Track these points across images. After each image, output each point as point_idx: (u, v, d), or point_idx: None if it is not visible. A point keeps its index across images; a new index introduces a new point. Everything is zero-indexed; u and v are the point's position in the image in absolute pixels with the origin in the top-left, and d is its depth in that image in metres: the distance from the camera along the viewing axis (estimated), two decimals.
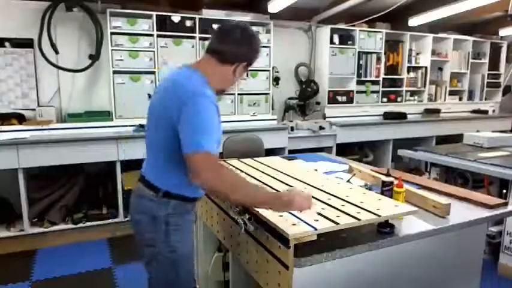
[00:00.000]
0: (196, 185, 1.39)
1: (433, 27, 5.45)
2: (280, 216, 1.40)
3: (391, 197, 1.67)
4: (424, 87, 5.47)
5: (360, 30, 4.85)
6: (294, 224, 1.32)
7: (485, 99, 6.06)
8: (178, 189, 1.51)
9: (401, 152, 3.63)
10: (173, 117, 1.39)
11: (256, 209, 1.47)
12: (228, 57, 1.51)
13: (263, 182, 1.86)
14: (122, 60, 3.76)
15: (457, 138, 4.25)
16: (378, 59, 5.04)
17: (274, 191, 1.63)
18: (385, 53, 5.07)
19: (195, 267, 1.99)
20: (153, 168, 1.56)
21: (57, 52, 3.68)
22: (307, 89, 4.74)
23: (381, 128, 4.94)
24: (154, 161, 1.56)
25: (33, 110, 3.70)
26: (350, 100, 4.95)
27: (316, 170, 2.30)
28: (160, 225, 1.51)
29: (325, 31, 4.77)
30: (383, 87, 5.14)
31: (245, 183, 1.48)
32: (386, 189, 1.70)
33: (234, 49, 1.51)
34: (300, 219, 1.37)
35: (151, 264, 1.58)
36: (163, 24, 3.86)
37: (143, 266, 1.63)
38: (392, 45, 5.16)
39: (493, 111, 6.11)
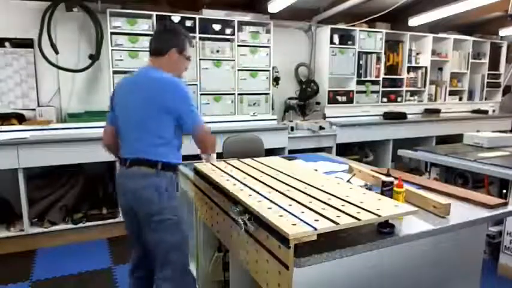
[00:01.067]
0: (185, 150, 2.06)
1: (433, 27, 5.45)
2: (280, 216, 1.40)
3: (391, 197, 1.67)
4: (424, 87, 5.47)
5: (360, 30, 4.85)
6: (294, 224, 1.32)
7: (485, 99, 6.06)
8: (169, 158, 1.92)
9: (401, 152, 3.63)
10: (167, 102, 1.88)
11: (256, 209, 1.47)
12: (162, 50, 1.99)
13: (263, 182, 1.86)
14: (121, 60, 3.76)
15: (457, 138, 4.25)
16: (378, 59, 5.04)
17: None
18: (385, 53, 5.07)
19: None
20: (148, 146, 1.90)
21: (57, 52, 3.68)
22: (307, 89, 4.74)
23: (381, 128, 4.94)
24: (148, 140, 1.90)
25: (33, 110, 3.70)
26: (350, 100, 4.96)
27: (316, 170, 2.30)
28: (163, 194, 1.88)
29: (325, 31, 4.77)
30: (383, 87, 5.15)
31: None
32: (387, 189, 1.70)
33: (163, 43, 2.00)
34: (300, 219, 1.37)
35: (158, 232, 1.89)
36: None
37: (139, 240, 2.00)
38: (392, 45, 5.16)
39: (493, 111, 6.11)
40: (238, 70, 4.27)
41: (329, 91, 4.81)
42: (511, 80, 6.49)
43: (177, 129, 1.94)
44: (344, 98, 4.93)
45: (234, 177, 1.94)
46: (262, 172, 2.08)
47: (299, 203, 1.56)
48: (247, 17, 4.28)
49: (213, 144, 2.10)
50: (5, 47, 3.62)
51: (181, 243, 1.96)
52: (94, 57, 3.81)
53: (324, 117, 4.78)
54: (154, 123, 1.89)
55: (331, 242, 1.34)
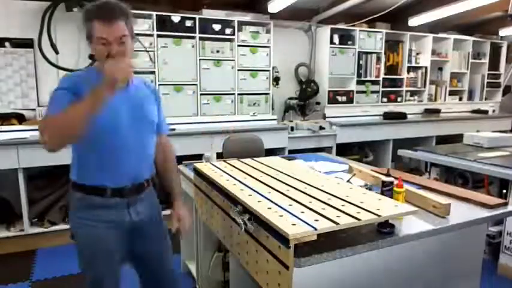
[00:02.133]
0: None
1: (433, 27, 5.45)
2: (280, 216, 1.40)
3: (391, 197, 1.67)
4: (424, 87, 5.47)
5: (360, 30, 4.85)
6: (294, 224, 1.32)
7: (485, 99, 6.06)
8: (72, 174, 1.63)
9: (401, 152, 3.63)
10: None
11: (256, 209, 1.47)
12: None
13: (263, 182, 1.86)
14: None
15: (457, 138, 4.25)
16: (378, 59, 5.04)
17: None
18: (385, 53, 5.07)
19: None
20: (147, 164, 1.67)
21: (57, 52, 3.68)
22: (307, 89, 4.74)
23: (381, 128, 4.94)
24: (146, 157, 1.66)
25: (33, 110, 3.70)
26: (350, 100, 4.96)
27: (314, 169, 2.30)
28: (159, 205, 1.77)
29: (325, 31, 4.77)
30: (383, 87, 5.15)
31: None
32: (387, 189, 1.70)
33: None
34: (300, 219, 1.37)
35: (165, 239, 1.77)
36: (163, 24, 3.86)
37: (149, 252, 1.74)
38: (392, 45, 5.16)
39: (493, 111, 6.11)
40: (238, 70, 4.27)
41: (329, 91, 4.81)
42: (511, 80, 6.49)
43: None
44: (344, 98, 4.93)
45: (234, 177, 1.94)
46: (262, 172, 2.08)
47: (299, 203, 1.56)
48: (247, 17, 4.28)
49: (46, 128, 1.49)
50: (5, 47, 3.62)
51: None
52: (94, 57, 3.80)
53: (324, 117, 4.78)
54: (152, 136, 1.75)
55: (331, 242, 1.34)
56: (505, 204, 1.81)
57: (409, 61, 5.28)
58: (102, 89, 1.37)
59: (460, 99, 5.91)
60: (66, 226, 3.56)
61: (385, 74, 5.13)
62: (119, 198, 1.56)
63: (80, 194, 1.56)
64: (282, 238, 1.29)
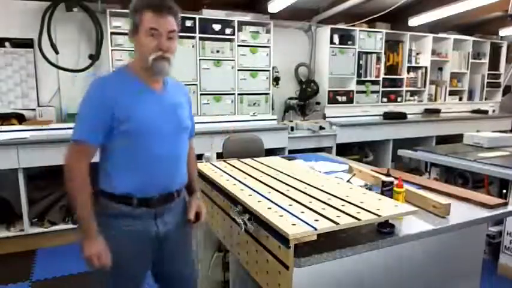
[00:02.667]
0: None
1: (433, 27, 5.45)
2: (281, 216, 1.40)
3: (391, 197, 1.67)
4: (424, 87, 5.47)
5: (360, 30, 4.85)
6: (294, 224, 1.32)
7: (485, 99, 6.05)
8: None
9: (401, 152, 3.63)
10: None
11: (256, 209, 1.48)
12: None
13: (263, 182, 1.86)
14: (121, 60, 3.76)
15: (457, 138, 4.25)
16: (378, 59, 5.04)
17: (91, 221, 1.44)
18: (385, 53, 5.07)
19: None
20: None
21: (57, 52, 3.68)
22: (307, 89, 4.74)
23: (381, 128, 4.94)
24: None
25: (33, 110, 3.70)
26: (350, 100, 4.95)
27: (314, 169, 2.30)
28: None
29: (325, 31, 4.77)
30: (383, 87, 5.14)
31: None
32: (387, 189, 1.70)
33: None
34: (300, 219, 1.37)
35: (190, 247, 1.76)
36: None
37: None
38: (392, 45, 5.16)
39: (493, 111, 6.11)
40: (238, 70, 4.27)
41: (329, 91, 4.81)
42: (511, 80, 6.49)
43: None
44: (344, 98, 4.93)
45: (234, 177, 1.94)
46: (262, 172, 2.08)
47: (299, 203, 1.56)
48: (247, 17, 4.28)
49: (74, 187, 1.47)
50: (5, 47, 3.62)
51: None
52: (94, 57, 3.81)
53: (324, 117, 4.78)
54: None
55: (331, 242, 1.34)
56: (505, 204, 1.81)
57: (409, 61, 5.28)
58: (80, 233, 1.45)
59: (460, 99, 5.91)
60: (66, 226, 3.56)
61: (385, 74, 5.13)
62: (146, 208, 1.49)
63: (107, 202, 1.50)
64: (282, 238, 1.29)
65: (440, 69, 5.68)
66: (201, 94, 4.13)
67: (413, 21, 4.94)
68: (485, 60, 5.92)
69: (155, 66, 1.42)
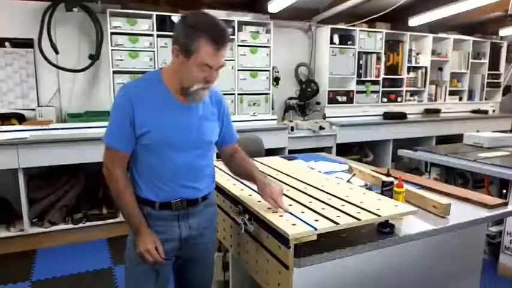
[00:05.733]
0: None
1: (433, 27, 5.45)
2: (280, 216, 1.40)
3: (391, 197, 1.67)
4: (424, 87, 5.47)
5: (360, 30, 4.85)
6: (294, 224, 1.32)
7: (485, 99, 6.06)
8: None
9: (401, 152, 3.63)
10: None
11: (256, 209, 1.48)
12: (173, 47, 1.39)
13: None
14: (122, 60, 3.76)
15: (457, 138, 4.25)
16: (378, 59, 5.04)
17: (137, 219, 1.47)
18: (385, 53, 5.07)
19: None
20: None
21: (57, 52, 3.68)
22: (307, 89, 4.74)
23: (381, 128, 4.94)
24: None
25: (33, 110, 3.70)
26: (350, 100, 4.95)
27: (314, 169, 2.30)
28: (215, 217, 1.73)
29: (325, 31, 4.77)
30: (383, 87, 5.15)
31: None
32: (386, 189, 1.70)
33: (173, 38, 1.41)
34: (300, 219, 1.37)
35: (211, 257, 1.73)
36: (163, 24, 3.85)
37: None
38: (392, 45, 5.16)
39: (493, 111, 6.11)
40: (238, 70, 4.27)
41: (329, 91, 4.81)
42: (511, 80, 6.49)
43: None
44: (344, 98, 4.93)
45: (234, 177, 1.94)
46: (262, 172, 2.08)
47: (299, 203, 1.56)
48: (247, 17, 4.28)
49: (113, 190, 1.47)
50: (5, 47, 3.62)
51: None
52: (94, 57, 3.81)
53: (324, 117, 4.78)
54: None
55: (331, 242, 1.34)
56: (505, 204, 1.81)
57: (409, 61, 5.28)
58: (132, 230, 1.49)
59: (460, 99, 5.91)
60: (66, 226, 3.56)
61: (385, 74, 5.13)
62: (168, 211, 1.50)
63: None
64: (282, 238, 1.29)
65: (440, 69, 5.68)
66: None
67: (413, 21, 4.94)
68: (485, 60, 5.92)
69: (196, 94, 1.44)
